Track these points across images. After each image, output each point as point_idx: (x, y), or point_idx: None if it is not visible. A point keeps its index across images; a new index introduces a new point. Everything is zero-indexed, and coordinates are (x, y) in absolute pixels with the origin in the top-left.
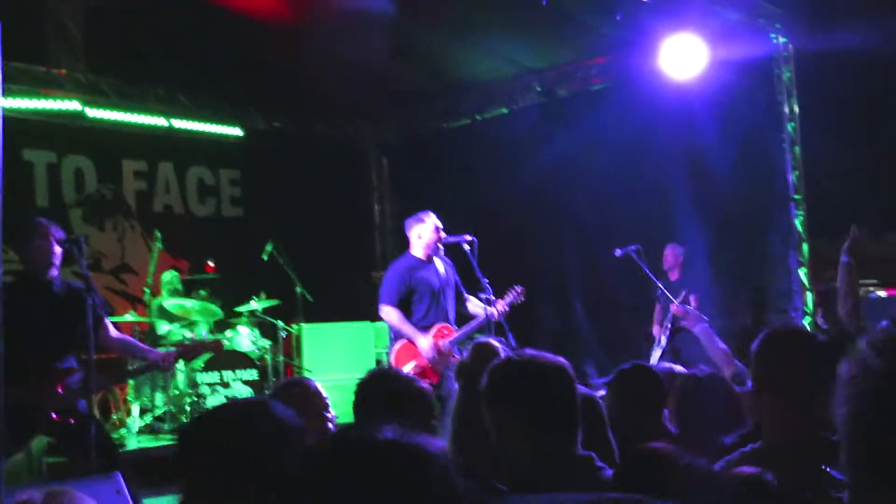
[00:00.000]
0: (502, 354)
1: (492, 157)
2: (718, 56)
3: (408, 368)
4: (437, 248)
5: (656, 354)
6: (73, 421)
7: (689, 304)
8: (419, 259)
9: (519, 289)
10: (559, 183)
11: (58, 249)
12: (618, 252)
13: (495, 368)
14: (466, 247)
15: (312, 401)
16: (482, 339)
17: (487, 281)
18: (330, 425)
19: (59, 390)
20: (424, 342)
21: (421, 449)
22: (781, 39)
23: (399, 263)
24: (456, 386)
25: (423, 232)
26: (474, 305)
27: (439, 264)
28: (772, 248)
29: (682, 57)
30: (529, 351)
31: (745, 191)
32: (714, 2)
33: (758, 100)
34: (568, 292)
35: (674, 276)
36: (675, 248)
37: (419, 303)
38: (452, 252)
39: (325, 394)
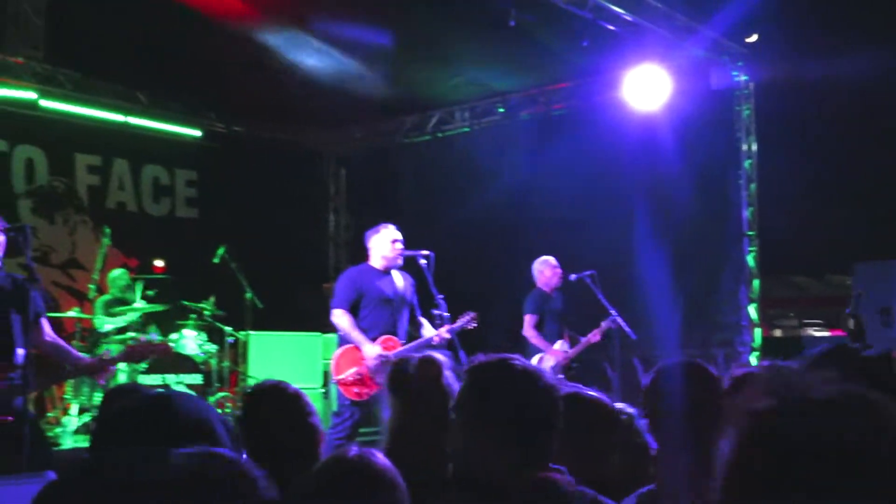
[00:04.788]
0: (446, 370)
1: (451, 174)
2: (681, 89)
3: (347, 374)
4: (395, 260)
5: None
6: (10, 418)
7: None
8: (374, 268)
9: (471, 314)
10: (518, 205)
11: (1, 238)
12: (572, 277)
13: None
14: (423, 262)
15: None
16: (428, 353)
17: (442, 297)
18: None
19: (1, 385)
20: (371, 349)
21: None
22: (743, 77)
23: (353, 269)
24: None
25: (379, 242)
26: (427, 329)
27: (397, 277)
28: (723, 283)
29: (646, 88)
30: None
31: (702, 224)
32: (680, 37)
33: (718, 135)
34: (520, 312)
35: None
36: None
37: (366, 308)
38: (409, 267)
39: None
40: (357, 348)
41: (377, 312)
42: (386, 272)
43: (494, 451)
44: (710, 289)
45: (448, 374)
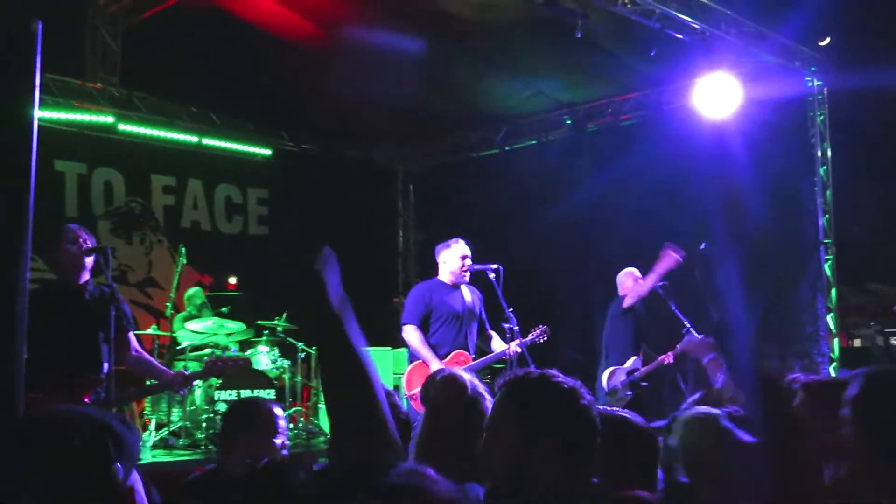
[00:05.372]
0: (470, 388)
1: (519, 188)
2: (753, 96)
3: (418, 390)
4: (463, 275)
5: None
6: None
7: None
8: (444, 283)
9: (542, 328)
10: (588, 217)
11: (88, 256)
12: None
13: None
14: (492, 275)
15: (264, 424)
16: (450, 371)
17: (512, 311)
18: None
19: (87, 400)
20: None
21: None
22: (816, 82)
23: (422, 284)
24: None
25: (449, 258)
26: (497, 343)
27: (466, 292)
28: (800, 292)
29: (716, 96)
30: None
31: (776, 232)
32: (750, 43)
33: (791, 142)
34: (593, 329)
35: None
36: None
37: (435, 323)
38: (478, 281)
39: (280, 419)
40: (427, 364)
41: (446, 327)
42: (455, 287)
43: (537, 467)
44: (786, 299)
45: (472, 395)
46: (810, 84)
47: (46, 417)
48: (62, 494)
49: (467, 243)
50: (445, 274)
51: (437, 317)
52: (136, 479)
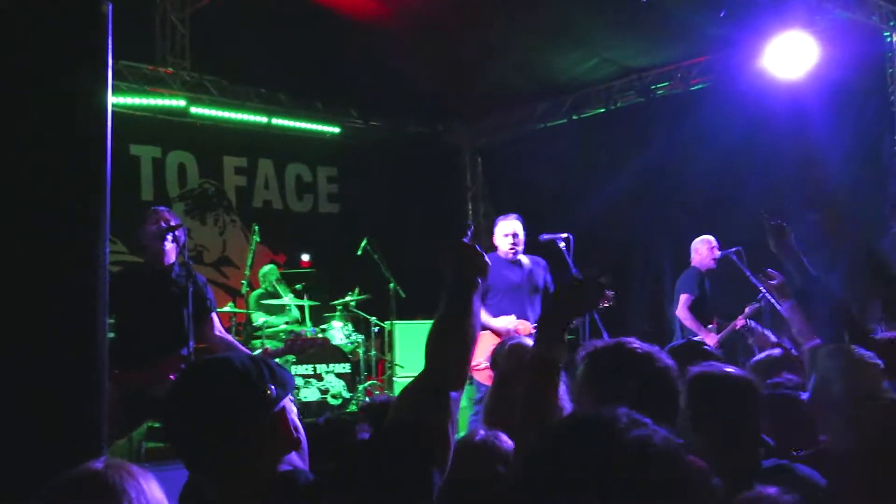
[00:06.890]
0: None
1: (588, 157)
2: (828, 55)
3: (479, 361)
4: (507, 255)
5: None
6: None
7: None
8: (500, 257)
9: (609, 293)
10: (657, 184)
11: (166, 235)
12: (718, 254)
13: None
14: (562, 245)
15: None
16: (517, 340)
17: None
18: None
19: (172, 378)
20: (503, 321)
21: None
22: None
23: None
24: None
25: (497, 235)
26: None
27: (526, 262)
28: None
29: (790, 56)
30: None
31: (855, 195)
32: (825, 0)
33: (870, 101)
34: (664, 300)
35: None
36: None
37: (495, 297)
38: (549, 250)
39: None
40: (492, 334)
41: (506, 300)
42: (512, 261)
43: None
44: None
45: None
46: (889, 40)
47: (208, 357)
48: (225, 411)
49: (519, 218)
50: (501, 248)
51: (496, 291)
52: (289, 405)
